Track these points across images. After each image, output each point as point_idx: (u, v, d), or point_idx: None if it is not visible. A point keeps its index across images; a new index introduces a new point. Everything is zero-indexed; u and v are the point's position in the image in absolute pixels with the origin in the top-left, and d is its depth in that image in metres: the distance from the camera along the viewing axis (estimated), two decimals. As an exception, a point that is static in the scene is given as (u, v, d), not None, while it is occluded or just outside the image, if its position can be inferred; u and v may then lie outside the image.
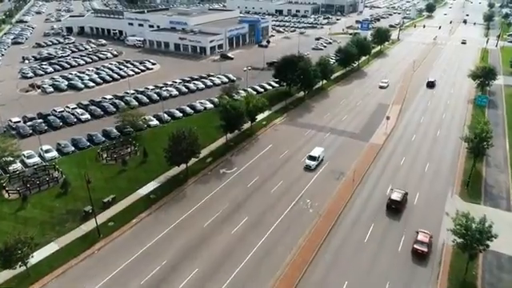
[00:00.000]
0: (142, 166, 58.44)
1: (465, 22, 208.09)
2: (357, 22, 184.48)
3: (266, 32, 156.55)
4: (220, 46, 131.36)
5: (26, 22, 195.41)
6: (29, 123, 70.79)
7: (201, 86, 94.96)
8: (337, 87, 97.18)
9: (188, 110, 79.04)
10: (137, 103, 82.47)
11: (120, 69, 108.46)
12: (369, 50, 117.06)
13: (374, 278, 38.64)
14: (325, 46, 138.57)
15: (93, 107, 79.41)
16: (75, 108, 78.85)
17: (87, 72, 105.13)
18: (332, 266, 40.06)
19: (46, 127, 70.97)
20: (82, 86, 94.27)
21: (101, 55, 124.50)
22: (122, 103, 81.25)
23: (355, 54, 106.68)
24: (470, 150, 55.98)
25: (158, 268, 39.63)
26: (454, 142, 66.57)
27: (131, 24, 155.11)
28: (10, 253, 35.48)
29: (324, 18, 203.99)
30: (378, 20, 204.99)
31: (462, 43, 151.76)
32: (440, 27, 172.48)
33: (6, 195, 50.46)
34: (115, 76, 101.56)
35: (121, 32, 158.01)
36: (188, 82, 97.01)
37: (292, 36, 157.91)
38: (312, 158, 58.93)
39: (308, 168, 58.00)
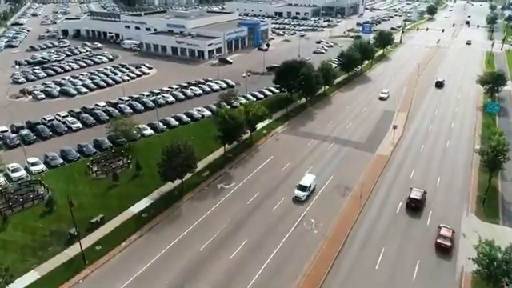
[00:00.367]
0: (134, 180, 54.66)
1: (468, 23, 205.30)
2: (358, 24, 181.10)
3: (266, 35, 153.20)
4: (218, 50, 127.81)
5: (22, 24, 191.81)
6: (12, 135, 66.63)
7: (198, 91, 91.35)
8: (340, 93, 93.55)
9: (184, 118, 75.34)
10: (131, 110, 78.80)
11: (115, 74, 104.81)
12: (372, 54, 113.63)
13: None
14: (326, 50, 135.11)
15: (85, 115, 75.70)
16: (66, 116, 75.16)
17: (81, 77, 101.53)
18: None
19: (34, 137, 67.24)
20: (75, 92, 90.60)
21: (96, 59, 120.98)
22: (116, 111, 77.62)
23: (358, 58, 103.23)
24: (485, 163, 52.30)
25: (149, 299, 35.96)
26: (466, 153, 62.98)
27: (128, 27, 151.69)
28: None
29: (324, 21, 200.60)
30: (379, 22, 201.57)
31: (467, 44, 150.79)
32: (443, 30, 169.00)
33: (-14, 215, 46.68)
34: (110, 81, 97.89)
35: (117, 35, 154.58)
36: (185, 87, 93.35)
37: (292, 39, 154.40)
38: (302, 187, 50.25)
39: (297, 200, 49.71)
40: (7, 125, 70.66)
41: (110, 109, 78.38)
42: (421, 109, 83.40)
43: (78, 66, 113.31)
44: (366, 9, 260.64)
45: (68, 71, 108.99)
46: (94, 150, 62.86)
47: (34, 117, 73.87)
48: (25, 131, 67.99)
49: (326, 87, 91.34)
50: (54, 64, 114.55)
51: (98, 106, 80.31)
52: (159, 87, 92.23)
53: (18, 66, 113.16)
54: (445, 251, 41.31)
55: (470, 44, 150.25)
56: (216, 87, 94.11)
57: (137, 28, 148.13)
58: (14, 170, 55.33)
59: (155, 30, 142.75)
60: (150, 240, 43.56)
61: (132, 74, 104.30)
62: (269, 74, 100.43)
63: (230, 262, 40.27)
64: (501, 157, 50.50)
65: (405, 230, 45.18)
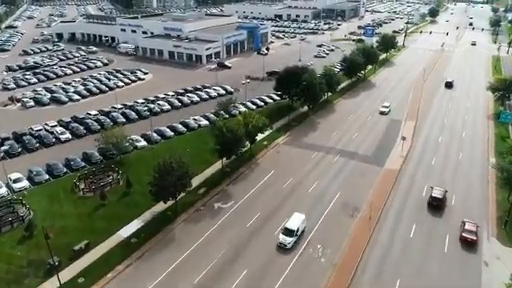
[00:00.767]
0: (124, 199, 50.34)
1: (471, 25, 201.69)
2: (359, 27, 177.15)
3: (266, 38, 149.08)
4: (217, 54, 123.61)
5: (16, 27, 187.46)
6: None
7: (195, 99, 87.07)
8: (343, 100, 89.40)
9: (180, 127, 71.09)
10: (124, 120, 74.59)
11: (109, 79, 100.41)
12: (376, 59, 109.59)
13: None
14: (327, 54, 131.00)
15: (75, 125, 71.40)
16: (55, 126, 70.73)
17: (73, 83, 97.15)
18: None
19: (19, 149, 62.98)
20: (66, 99, 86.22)
21: (90, 64, 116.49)
22: (108, 120, 73.37)
23: (361, 63, 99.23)
24: (505, 180, 48.20)
25: None
26: (480, 167, 58.91)
27: (124, 30, 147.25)
28: None
29: (325, 24, 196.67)
30: (381, 25, 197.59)
31: (472, 44, 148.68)
32: (448, 33, 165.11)
33: (-41, 241, 42.46)
34: (103, 88, 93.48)
35: (113, 38, 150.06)
36: (181, 94, 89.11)
37: (292, 42, 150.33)
38: (289, 231, 41.85)
39: (282, 247, 41.57)
40: (-9, 136, 66.42)
41: (101, 118, 74.04)
42: (429, 117, 79.25)
43: (71, 71, 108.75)
44: (367, 11, 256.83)
45: (60, 77, 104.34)
46: (83, 164, 58.59)
47: (21, 126, 69.46)
48: (9, 142, 63.67)
49: (329, 94, 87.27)
50: (46, 69, 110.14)
51: (90, 114, 75.93)
52: (154, 94, 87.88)
53: (5, 73, 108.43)
54: (470, 245, 41.93)
55: (474, 45, 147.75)
56: (214, 94, 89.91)
57: (133, 31, 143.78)
58: (-6, 188, 51.11)
59: (152, 33, 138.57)
60: (139, 270, 39.26)
61: (126, 80, 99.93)
62: (269, 80, 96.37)
63: (227, 298, 36.08)
64: (522, 174, 46.50)
65: (421, 258, 41.02)
